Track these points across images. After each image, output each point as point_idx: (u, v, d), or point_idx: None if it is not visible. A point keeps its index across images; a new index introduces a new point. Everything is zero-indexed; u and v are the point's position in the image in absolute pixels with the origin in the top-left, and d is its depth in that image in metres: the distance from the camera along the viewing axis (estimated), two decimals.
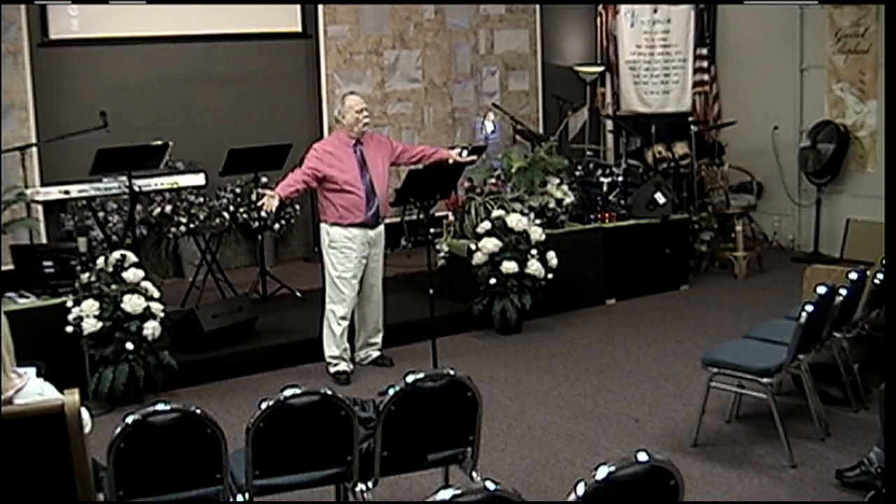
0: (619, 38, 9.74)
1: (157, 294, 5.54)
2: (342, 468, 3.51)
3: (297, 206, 8.36)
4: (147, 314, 5.41)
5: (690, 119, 8.97)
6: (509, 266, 6.49)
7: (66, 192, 6.58)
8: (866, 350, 5.32)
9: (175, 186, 7.06)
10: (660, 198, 7.58)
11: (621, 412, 5.23)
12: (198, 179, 7.08)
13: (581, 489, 2.43)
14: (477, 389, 3.58)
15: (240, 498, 3.39)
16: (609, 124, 9.69)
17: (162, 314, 5.52)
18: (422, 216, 5.85)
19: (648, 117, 9.19)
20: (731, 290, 7.79)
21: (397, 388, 3.47)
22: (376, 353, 6.08)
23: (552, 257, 6.70)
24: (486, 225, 6.65)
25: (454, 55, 9.21)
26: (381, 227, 5.87)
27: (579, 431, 4.98)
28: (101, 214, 7.30)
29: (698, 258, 8.19)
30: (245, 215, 8.08)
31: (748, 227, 8.80)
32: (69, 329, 5.30)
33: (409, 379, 3.49)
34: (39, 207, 6.95)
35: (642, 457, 2.54)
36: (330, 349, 5.85)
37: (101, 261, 5.51)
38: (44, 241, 7.04)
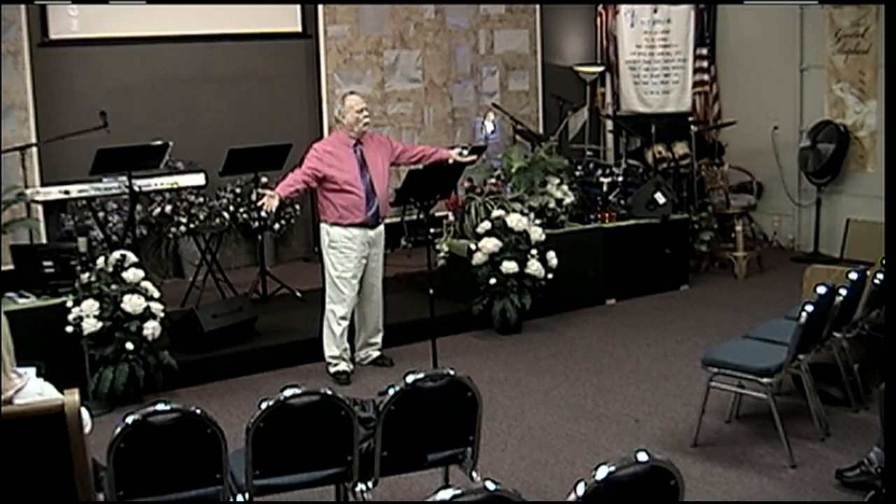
0: (619, 38, 9.74)
1: (157, 294, 5.54)
2: (342, 468, 3.51)
3: (297, 206, 8.36)
4: (147, 314, 5.41)
5: (690, 119, 8.97)
6: (509, 266, 6.49)
7: (66, 192, 6.58)
8: (866, 350, 5.32)
9: (175, 186, 7.06)
10: (660, 198, 7.58)
11: (621, 412, 5.23)
12: (198, 179, 7.08)
13: (581, 489, 2.43)
14: (477, 389, 3.58)
15: (240, 498, 3.39)
16: (609, 124, 9.69)
17: (162, 314, 5.52)
18: (422, 216, 5.85)
19: (648, 117, 9.19)
20: (731, 290, 7.79)
21: (397, 388, 3.47)
22: (376, 353, 6.09)
23: (552, 257, 6.70)
24: (486, 225, 6.65)
25: (454, 55, 9.21)
26: (381, 227, 5.87)
27: (579, 431, 4.98)
28: (101, 214, 7.30)
29: (698, 258, 8.19)
30: (245, 215, 8.08)
31: (748, 227, 8.80)
32: (69, 329, 5.30)
33: (409, 379, 3.49)
34: (39, 207, 6.95)
35: (642, 457, 2.54)
36: (330, 349, 5.85)
37: (101, 261, 5.51)
38: (44, 241, 7.04)
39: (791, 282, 6.74)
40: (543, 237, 6.70)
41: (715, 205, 8.49)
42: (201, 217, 7.78)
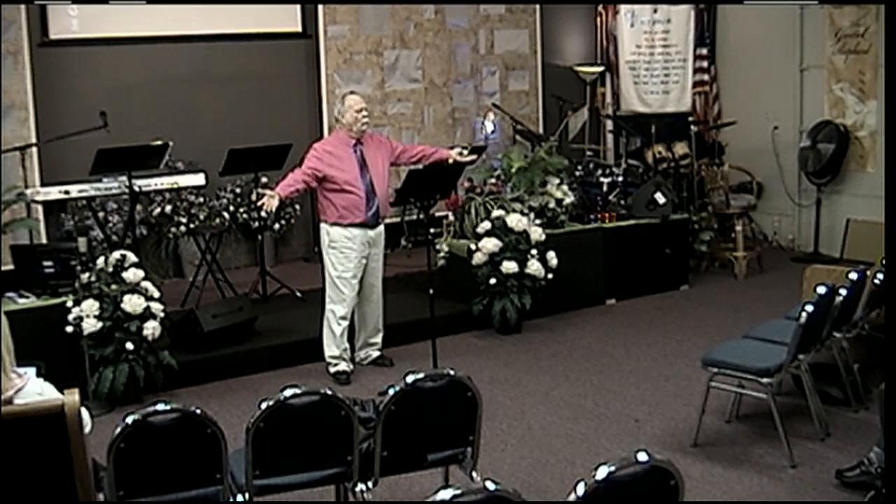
0: (619, 38, 9.74)
1: (157, 294, 5.54)
2: (342, 468, 3.51)
3: (297, 206, 8.36)
4: (147, 314, 5.41)
5: (690, 119, 8.97)
6: (509, 266, 6.49)
7: (66, 192, 6.58)
8: (866, 350, 5.32)
9: (175, 186, 7.05)
10: (660, 198, 7.58)
11: (621, 412, 5.23)
12: (198, 179, 7.08)
13: (581, 489, 2.43)
14: (477, 389, 3.58)
15: (240, 498, 3.39)
16: (609, 124, 9.69)
17: (162, 314, 5.52)
18: (422, 216, 5.85)
19: (648, 117, 9.19)
20: (731, 290, 7.79)
21: (397, 388, 3.47)
22: (376, 353, 6.08)
23: (552, 257, 6.70)
24: (486, 225, 6.65)
25: (454, 55, 9.21)
26: (381, 227, 5.87)
27: (579, 431, 4.98)
28: (101, 214, 7.30)
29: (698, 258, 8.19)
30: (245, 215, 8.08)
31: (748, 227, 8.80)
32: (69, 329, 5.30)
33: (409, 379, 3.49)
34: (39, 207, 6.95)
35: (642, 457, 2.54)
36: (330, 349, 5.85)
37: (101, 261, 5.51)
38: (44, 241, 7.04)
39: (791, 282, 6.74)
40: (543, 237, 6.70)
41: (715, 205, 8.49)
42: (201, 217, 7.78)
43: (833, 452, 4.56)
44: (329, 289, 5.82)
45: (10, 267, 5.74)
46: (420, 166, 5.94)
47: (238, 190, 8.10)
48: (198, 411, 3.21)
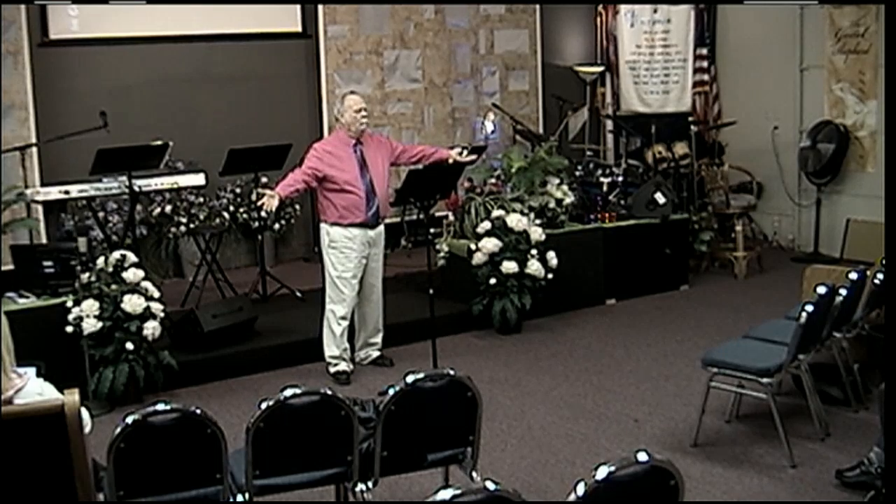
0: (619, 38, 9.74)
1: (157, 294, 5.54)
2: (342, 468, 3.51)
3: (297, 206, 8.36)
4: (147, 314, 5.41)
5: (690, 119, 8.97)
6: (509, 266, 6.49)
7: (66, 192, 6.58)
8: (866, 350, 5.32)
9: (175, 186, 7.05)
10: (660, 198, 7.58)
11: (621, 412, 5.23)
12: (198, 179, 7.08)
13: (581, 489, 2.43)
14: (477, 389, 3.58)
15: (240, 498, 3.39)
16: (609, 124, 9.69)
17: (162, 314, 5.52)
18: (422, 216, 5.85)
19: (648, 117, 9.19)
20: (731, 290, 7.79)
21: (397, 388, 3.47)
22: (376, 353, 6.08)
23: (552, 257, 6.70)
24: (486, 225, 6.65)
25: (454, 55, 9.21)
26: (381, 227, 5.87)
27: (579, 431, 4.98)
28: (101, 214, 7.30)
29: (698, 258, 8.19)
30: (245, 215, 8.08)
31: (748, 227, 8.80)
32: (69, 329, 5.29)
33: (409, 379, 3.49)
34: (39, 207, 6.95)
35: (642, 457, 2.54)
36: (330, 349, 5.85)
37: (101, 261, 5.51)
38: (44, 241, 7.04)
39: (791, 282, 6.74)
40: (543, 237, 6.70)
41: (715, 205, 8.49)
42: (201, 217, 7.78)
43: (833, 452, 4.56)
44: (329, 289, 5.82)
45: (10, 267, 5.73)
46: (420, 166, 5.94)
47: (238, 190, 8.11)
48: (198, 411, 3.21)
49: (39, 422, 2.67)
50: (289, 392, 3.33)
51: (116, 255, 5.52)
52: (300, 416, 3.35)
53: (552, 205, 7.13)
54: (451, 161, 5.96)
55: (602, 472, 2.46)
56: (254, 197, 6.68)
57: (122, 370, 5.33)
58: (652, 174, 8.26)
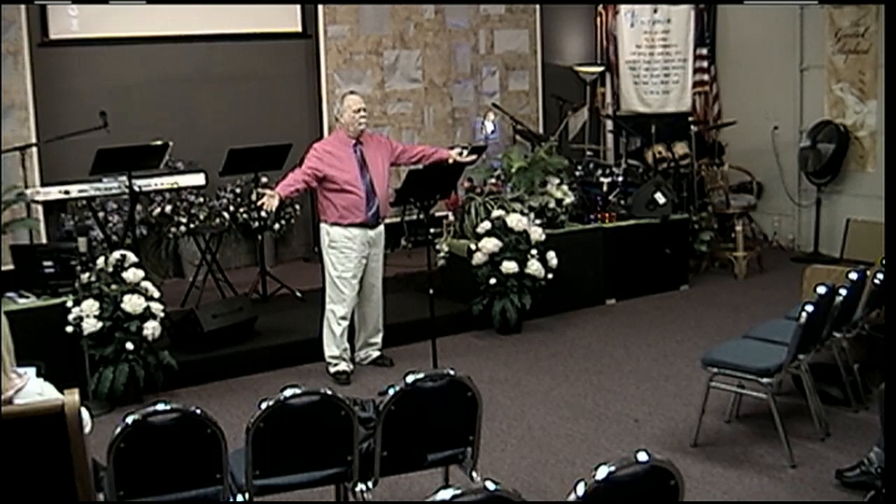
0: (619, 38, 9.74)
1: (157, 294, 5.54)
2: (342, 468, 3.51)
3: (297, 206, 8.36)
4: (147, 314, 5.41)
5: (690, 119, 8.97)
6: (509, 266, 6.49)
7: (66, 192, 6.58)
8: (866, 350, 5.32)
9: (175, 186, 7.05)
10: (660, 198, 7.58)
11: (621, 412, 5.23)
12: (198, 179, 7.08)
13: (581, 489, 2.43)
14: (477, 389, 3.58)
15: (240, 498, 3.39)
16: (609, 124, 9.69)
17: (162, 314, 5.52)
18: (422, 216, 5.85)
19: (648, 117, 9.19)
20: (731, 290, 7.79)
21: (397, 388, 3.47)
22: (376, 353, 6.08)
23: (552, 257, 6.70)
24: (486, 225, 6.65)
25: (454, 55, 9.21)
26: (381, 227, 5.87)
27: (579, 431, 4.98)
28: (101, 214, 7.30)
29: (698, 258, 8.19)
30: (245, 215, 8.08)
31: (748, 227, 8.80)
32: (69, 329, 5.29)
33: (409, 379, 3.49)
34: (39, 207, 6.95)
35: (642, 457, 2.54)
36: (330, 349, 5.85)
37: (101, 261, 5.51)
38: (44, 241, 7.04)
39: (791, 282, 6.74)
40: (543, 237, 6.70)
41: (715, 205, 8.49)
42: (201, 217, 7.79)
43: (833, 452, 4.56)
44: (329, 289, 5.82)
45: (10, 267, 5.73)
46: (420, 166, 5.94)
47: (238, 190, 8.11)
48: (198, 411, 3.21)
49: (39, 422, 2.67)
50: (289, 392, 3.33)
51: (116, 255, 5.52)
52: (300, 416, 3.35)
53: (552, 205, 7.13)
54: (451, 161, 5.96)
55: (602, 472, 2.46)
56: (254, 197, 6.69)
57: (122, 370, 5.33)
58: (652, 174, 8.26)
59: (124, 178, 6.41)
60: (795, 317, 4.47)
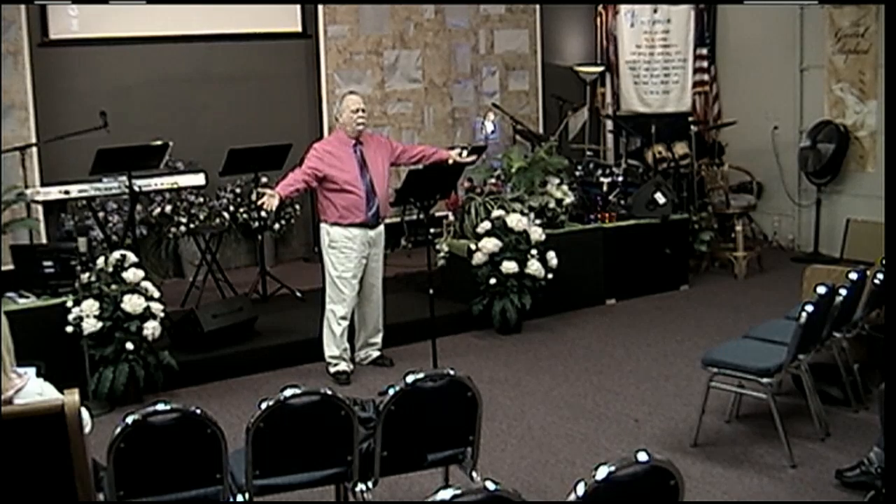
0: (619, 38, 9.74)
1: (157, 294, 5.54)
2: (342, 468, 3.51)
3: (297, 206, 8.37)
4: (147, 314, 5.41)
5: (690, 119, 8.97)
6: (509, 266, 6.49)
7: (66, 192, 6.58)
8: (866, 350, 5.32)
9: (175, 186, 7.05)
10: (660, 198, 7.58)
11: (621, 412, 5.23)
12: (198, 179, 7.08)
13: (581, 489, 2.43)
14: (477, 389, 3.58)
15: (240, 498, 3.39)
16: (609, 124, 9.69)
17: (162, 314, 5.52)
18: (422, 216, 5.85)
19: (648, 117, 9.19)
20: (731, 290, 7.79)
21: (397, 388, 3.47)
22: (376, 353, 6.08)
23: (552, 257, 6.70)
24: (486, 225, 6.65)
25: (454, 55, 9.21)
26: (382, 227, 5.87)
27: (579, 431, 4.98)
28: (101, 214, 7.30)
29: (698, 258, 8.19)
30: (245, 215, 8.08)
31: (748, 227, 8.80)
32: (69, 329, 5.29)
33: (409, 379, 3.49)
34: (39, 207, 6.95)
35: (642, 457, 2.54)
36: (330, 349, 5.85)
37: (101, 261, 5.51)
38: (44, 241, 7.04)
39: (791, 282, 6.74)
40: (543, 237, 6.70)
41: (715, 205, 8.49)
42: (201, 217, 7.79)
43: (833, 452, 4.56)
44: (329, 289, 5.82)
45: (10, 267, 5.73)
46: (420, 166, 5.94)
47: (238, 190, 8.11)
48: (198, 411, 3.21)
49: (39, 422, 2.67)
50: (289, 392, 3.33)
51: (116, 255, 5.52)
52: (300, 416, 3.35)
53: (552, 205, 7.13)
54: (451, 161, 5.97)
55: (602, 472, 2.46)
56: (254, 197, 6.69)
57: (122, 370, 5.33)
58: (652, 174, 8.26)
59: (124, 178, 6.41)
60: (795, 317, 4.47)
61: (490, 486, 2.38)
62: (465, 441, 3.67)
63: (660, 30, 9.59)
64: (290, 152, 7.06)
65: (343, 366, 5.85)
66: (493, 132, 8.74)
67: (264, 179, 7.01)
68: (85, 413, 2.83)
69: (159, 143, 6.62)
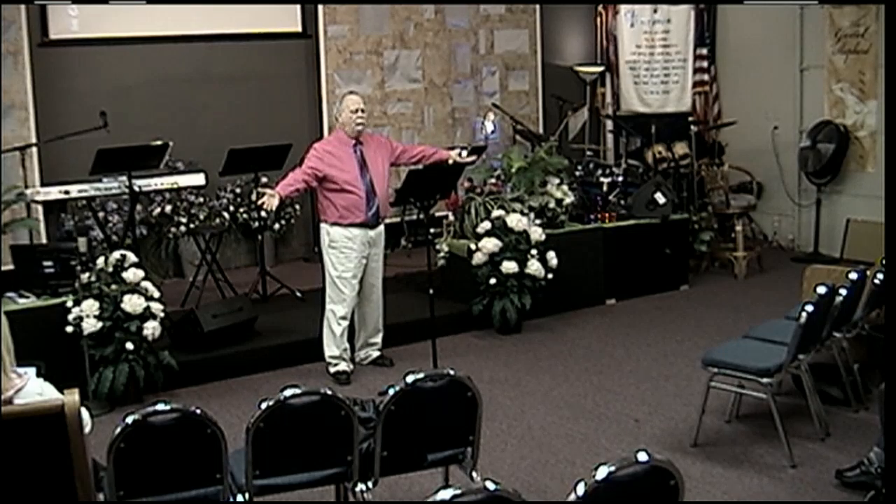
0: (619, 38, 9.74)
1: (157, 294, 5.54)
2: (342, 468, 3.51)
3: (297, 206, 8.37)
4: (147, 314, 5.41)
5: (690, 119, 8.97)
6: (509, 266, 6.49)
7: (66, 192, 6.57)
8: (866, 350, 5.32)
9: (175, 186, 7.05)
10: (660, 198, 7.58)
11: (621, 412, 5.23)
12: (198, 179, 7.07)
13: (581, 489, 2.43)
14: (477, 389, 3.58)
15: (240, 498, 3.39)
16: (609, 124, 9.69)
17: (162, 314, 5.52)
18: (422, 216, 5.85)
19: (648, 117, 9.19)
20: (731, 290, 7.79)
21: (397, 388, 3.47)
22: (376, 353, 6.08)
23: (552, 257, 6.70)
24: (486, 225, 6.65)
25: (454, 55, 9.21)
26: (382, 227, 5.87)
27: (579, 431, 4.98)
28: (101, 214, 7.30)
29: (698, 258, 8.19)
30: (245, 215, 8.08)
31: (748, 227, 8.80)
32: (69, 329, 5.29)
33: (409, 379, 3.49)
34: (39, 207, 6.95)
35: (642, 457, 2.54)
36: (330, 349, 5.85)
37: (101, 261, 5.51)
38: (44, 241, 7.04)
39: (791, 282, 6.74)
40: (543, 237, 6.70)
41: (715, 205, 8.49)
42: (201, 217, 7.79)
43: (833, 452, 4.56)
44: (329, 289, 5.82)
45: (10, 267, 5.73)
46: (420, 166, 5.95)
47: (238, 190, 8.11)
48: (198, 411, 3.21)
49: (39, 422, 2.67)
50: (289, 392, 3.33)
51: (116, 255, 5.52)
52: (300, 416, 3.35)
53: (552, 205, 7.13)
54: (451, 161, 5.97)
55: (602, 472, 2.46)
56: (254, 196, 6.69)
57: (122, 370, 5.33)
58: (652, 174, 8.26)
59: (124, 178, 6.41)
60: (795, 317, 4.47)
61: (490, 486, 2.38)
62: (465, 441, 3.67)
63: (660, 30, 9.59)
64: (290, 152, 7.06)
65: (343, 366, 5.85)
66: (493, 132, 8.74)
67: (264, 179, 7.01)
68: (85, 413, 2.83)
69: (159, 143, 6.62)
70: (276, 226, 8.29)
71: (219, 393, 5.68)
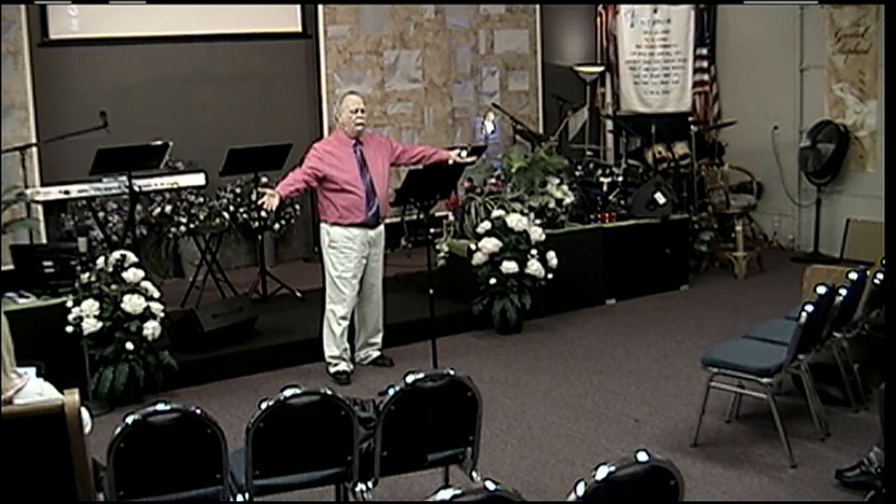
0: (619, 38, 9.74)
1: (157, 294, 5.54)
2: (342, 468, 3.51)
3: (297, 206, 8.37)
4: (147, 314, 5.41)
5: (690, 119, 8.97)
6: (509, 266, 6.49)
7: (66, 192, 6.57)
8: (866, 350, 5.32)
9: (175, 186, 7.05)
10: (660, 198, 7.58)
11: (621, 412, 5.23)
12: (198, 179, 7.07)
13: (581, 489, 2.43)
14: (477, 389, 3.58)
15: (240, 498, 3.39)
16: (609, 124, 9.69)
17: (162, 314, 5.52)
18: (422, 216, 5.85)
19: (648, 117, 9.19)
20: (731, 290, 7.79)
21: (397, 388, 3.47)
22: (376, 353, 6.08)
23: (552, 257, 6.70)
24: (486, 225, 6.65)
25: (454, 55, 9.21)
26: (382, 227, 5.87)
27: (579, 431, 4.98)
28: (101, 214, 7.30)
29: (698, 258, 8.19)
30: (245, 215, 8.08)
31: (748, 227, 8.80)
32: (69, 329, 5.29)
33: (409, 379, 3.49)
34: (39, 207, 6.95)
35: (642, 457, 2.54)
36: (330, 349, 5.85)
37: (101, 261, 5.51)
38: (44, 241, 7.04)
39: (791, 282, 6.74)
40: (543, 237, 6.70)
41: (715, 205, 8.49)
42: (201, 217, 7.79)
43: (833, 452, 4.56)
44: (329, 289, 5.82)
45: (10, 267, 5.73)
46: (420, 166, 5.95)
47: (238, 190, 8.11)
48: (198, 411, 3.21)
49: (39, 422, 2.67)
50: (289, 392, 3.33)
51: (116, 255, 5.52)
52: (300, 416, 3.35)
53: (552, 205, 7.13)
54: (451, 162, 5.97)
55: (602, 472, 2.46)
56: (254, 196, 6.69)
57: (122, 370, 5.33)
58: (652, 174, 8.26)
59: (124, 178, 6.40)
60: (795, 317, 4.47)
61: (490, 486, 2.38)
62: (465, 441, 3.67)
63: (660, 30, 9.59)
64: (290, 152, 7.06)
65: (343, 366, 5.85)
66: (493, 132, 8.74)
67: (264, 179, 7.01)
68: (85, 413, 2.83)
69: (159, 143, 6.62)
70: (276, 226, 8.29)
71: (219, 393, 5.68)
